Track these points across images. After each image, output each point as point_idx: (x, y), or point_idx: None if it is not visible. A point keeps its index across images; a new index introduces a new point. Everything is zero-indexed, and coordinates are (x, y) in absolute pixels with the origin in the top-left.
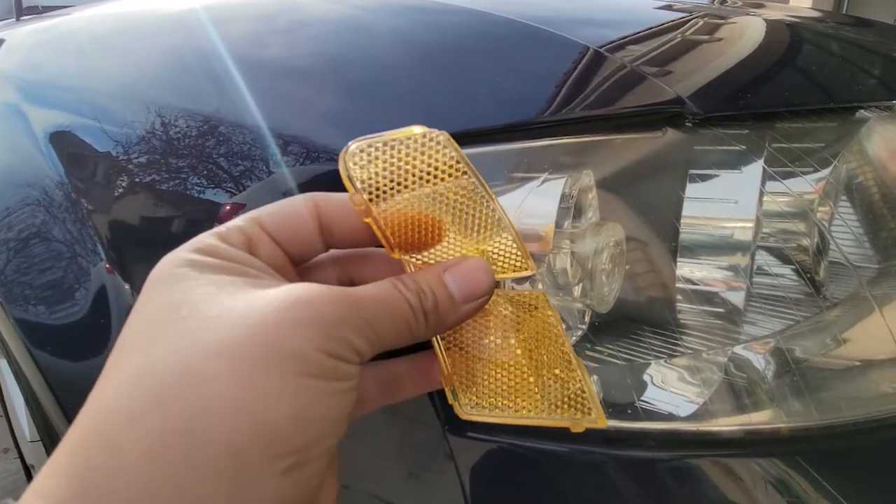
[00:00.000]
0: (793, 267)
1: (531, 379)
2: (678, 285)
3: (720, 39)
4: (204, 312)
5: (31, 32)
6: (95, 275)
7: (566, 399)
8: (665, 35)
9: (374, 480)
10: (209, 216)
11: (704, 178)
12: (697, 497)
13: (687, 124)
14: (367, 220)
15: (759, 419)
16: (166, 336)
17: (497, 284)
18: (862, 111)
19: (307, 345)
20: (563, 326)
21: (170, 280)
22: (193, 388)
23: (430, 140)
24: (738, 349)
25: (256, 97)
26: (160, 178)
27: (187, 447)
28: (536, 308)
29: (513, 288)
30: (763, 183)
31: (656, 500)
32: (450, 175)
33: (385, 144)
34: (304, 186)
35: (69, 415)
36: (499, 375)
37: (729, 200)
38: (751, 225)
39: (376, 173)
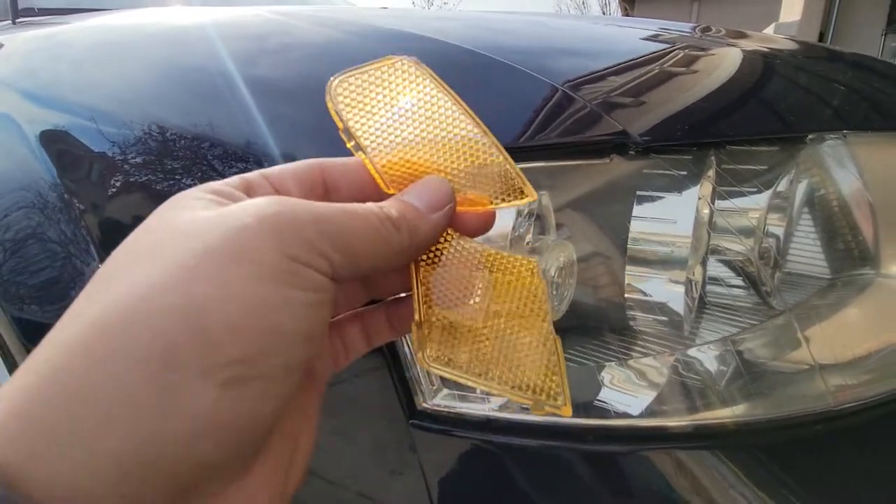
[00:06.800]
0: (743, 278)
1: (504, 347)
2: (627, 295)
3: (688, 73)
4: (171, 226)
5: (29, 39)
6: (90, 275)
7: (535, 377)
8: (631, 70)
9: (359, 478)
10: None
11: (649, 199)
12: (651, 485)
13: (630, 153)
14: (359, 154)
15: (707, 415)
16: (132, 247)
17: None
18: (810, 136)
19: (268, 247)
20: (549, 302)
21: (160, 209)
22: (136, 288)
23: (403, 64)
24: (690, 352)
25: (247, 111)
26: (151, 181)
27: (123, 341)
28: (524, 276)
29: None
30: (713, 201)
31: (610, 489)
32: (424, 96)
33: (363, 73)
34: None
35: None
36: (471, 336)
37: (669, 220)
38: (687, 242)
39: (360, 101)
